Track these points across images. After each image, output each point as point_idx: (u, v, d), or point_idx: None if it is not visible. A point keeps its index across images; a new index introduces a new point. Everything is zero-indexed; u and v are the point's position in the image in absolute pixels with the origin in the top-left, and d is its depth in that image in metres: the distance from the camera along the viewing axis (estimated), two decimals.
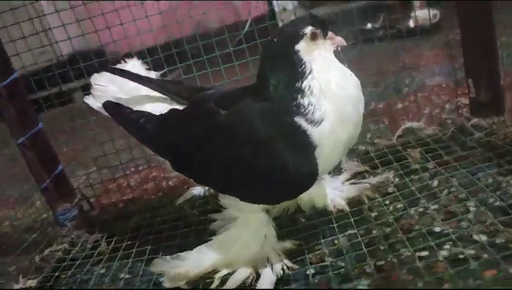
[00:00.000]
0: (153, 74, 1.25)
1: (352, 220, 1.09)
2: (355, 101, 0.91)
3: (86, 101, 1.20)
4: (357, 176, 1.27)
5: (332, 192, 1.17)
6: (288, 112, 0.86)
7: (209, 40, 1.53)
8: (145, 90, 1.17)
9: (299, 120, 0.86)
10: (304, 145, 0.85)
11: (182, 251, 1.06)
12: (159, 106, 1.12)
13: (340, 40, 0.93)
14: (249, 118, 0.89)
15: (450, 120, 1.47)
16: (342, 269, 0.93)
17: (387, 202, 1.14)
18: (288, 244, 1.04)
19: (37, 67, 1.55)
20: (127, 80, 1.16)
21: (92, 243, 1.34)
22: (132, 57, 1.27)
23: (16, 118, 1.32)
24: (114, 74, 1.17)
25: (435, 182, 1.17)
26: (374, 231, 1.03)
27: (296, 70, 0.88)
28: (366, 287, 0.86)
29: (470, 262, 0.83)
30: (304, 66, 0.88)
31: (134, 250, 1.22)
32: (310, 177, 0.86)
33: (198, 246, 1.04)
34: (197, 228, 1.24)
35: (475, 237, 0.90)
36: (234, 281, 0.96)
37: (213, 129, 0.94)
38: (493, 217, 0.94)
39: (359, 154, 1.41)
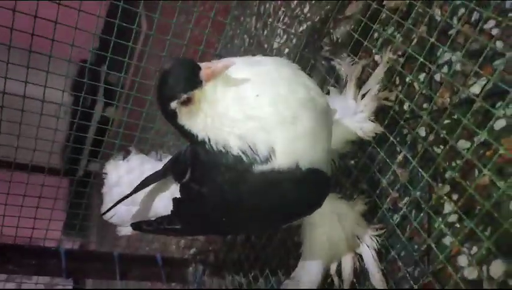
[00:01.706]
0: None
1: (392, 138, 0.99)
2: (285, 95, 0.74)
3: (120, 234, 1.24)
4: (361, 76, 1.11)
5: (354, 121, 1.05)
6: (241, 167, 0.76)
7: None
8: (144, 191, 1.15)
9: (256, 168, 0.75)
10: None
11: (291, 259, 1.17)
12: (162, 197, 1.09)
13: (224, 66, 0.72)
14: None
15: None
16: (422, 204, 0.90)
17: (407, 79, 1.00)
18: (359, 206, 1.02)
19: None
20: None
21: (231, 285, 1.50)
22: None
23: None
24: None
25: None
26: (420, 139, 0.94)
27: (196, 139, 0.78)
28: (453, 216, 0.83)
29: None
30: (196, 135, 0.78)
31: (261, 280, 1.34)
32: (322, 181, 0.81)
33: (299, 263, 1.09)
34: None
35: None
36: (347, 274, 1.01)
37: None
38: None
39: (343, 42, 1.20)
